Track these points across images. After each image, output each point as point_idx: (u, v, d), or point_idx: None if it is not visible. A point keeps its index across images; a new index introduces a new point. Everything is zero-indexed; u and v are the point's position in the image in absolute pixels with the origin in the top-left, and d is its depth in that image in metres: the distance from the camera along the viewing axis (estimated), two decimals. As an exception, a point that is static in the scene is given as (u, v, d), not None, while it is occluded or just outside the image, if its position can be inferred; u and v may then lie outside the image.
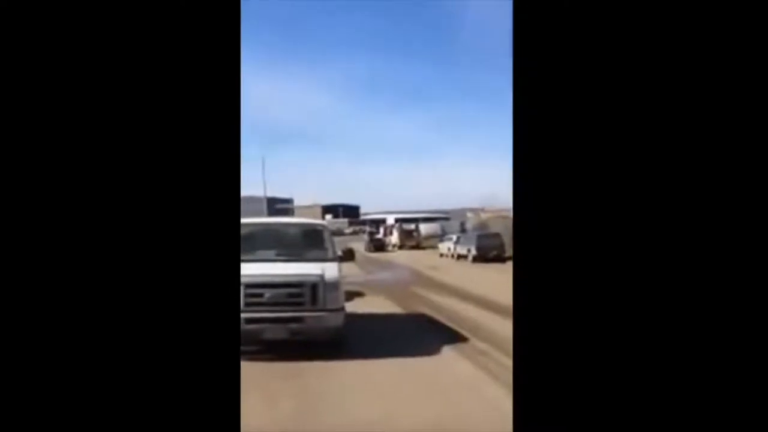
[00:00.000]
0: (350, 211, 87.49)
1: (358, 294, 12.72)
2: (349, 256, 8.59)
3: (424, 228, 41.41)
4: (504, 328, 8.76)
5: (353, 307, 9.90)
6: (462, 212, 53.08)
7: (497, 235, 27.64)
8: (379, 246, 38.63)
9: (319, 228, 8.49)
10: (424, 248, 36.47)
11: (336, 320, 6.79)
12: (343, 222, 69.26)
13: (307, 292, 6.64)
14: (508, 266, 23.08)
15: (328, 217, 67.95)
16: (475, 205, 54.31)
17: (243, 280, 6.12)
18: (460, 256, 26.96)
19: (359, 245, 32.38)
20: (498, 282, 16.47)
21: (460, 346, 7.52)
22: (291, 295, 6.60)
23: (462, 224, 41.87)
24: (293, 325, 6.52)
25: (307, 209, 72.33)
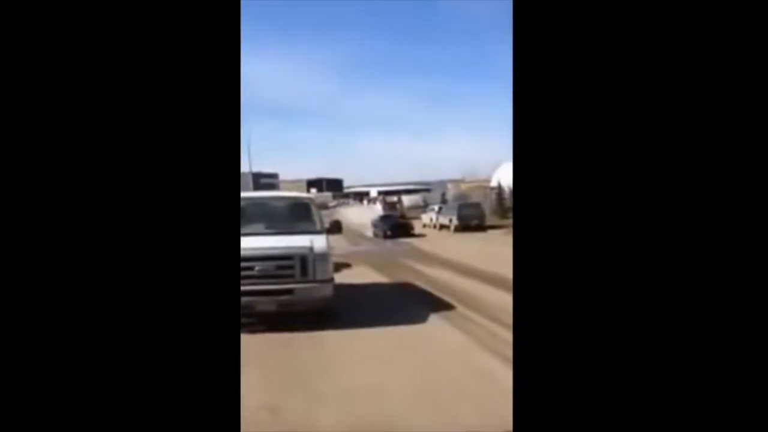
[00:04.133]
0: (334, 185, 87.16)
1: (345, 265, 12.87)
2: (336, 228, 8.70)
3: (407, 199, 41.59)
4: (487, 294, 9.00)
5: (341, 278, 10.05)
6: (443, 184, 53.27)
7: (478, 205, 27.96)
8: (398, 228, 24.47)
9: (306, 201, 8.59)
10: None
11: (325, 291, 6.94)
12: (327, 195, 69.06)
13: (297, 264, 6.76)
14: (489, 235, 23.37)
15: (313, 190, 67.64)
16: (455, 176, 54.54)
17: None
18: (442, 226, 27.22)
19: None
20: (480, 250, 16.73)
21: (446, 313, 7.72)
22: (281, 267, 6.71)
23: (443, 195, 42.12)
24: (283, 297, 6.65)
25: (292, 183, 71.94)
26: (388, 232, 23.87)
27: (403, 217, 30.70)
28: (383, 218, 26.45)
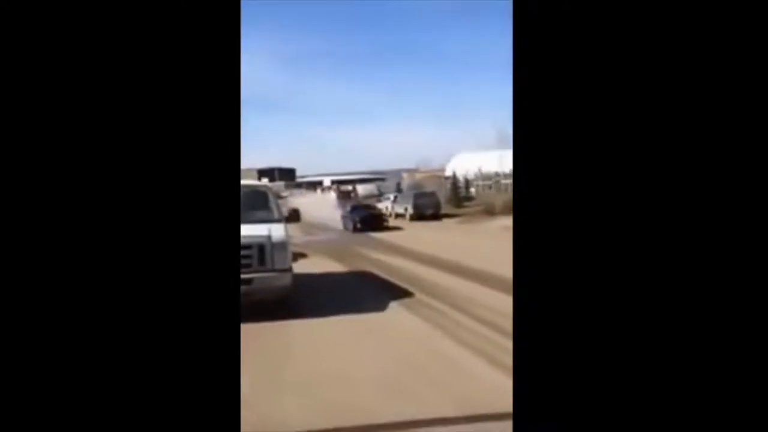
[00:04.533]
0: (286, 174, 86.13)
1: (302, 255, 12.75)
2: (295, 217, 8.61)
3: (362, 189, 41.67)
4: (445, 281, 9.09)
5: (298, 267, 9.94)
6: (397, 173, 53.55)
7: (433, 194, 28.20)
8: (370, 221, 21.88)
9: (264, 190, 8.44)
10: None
11: (284, 280, 6.85)
12: (279, 185, 68.39)
13: (255, 253, 6.64)
14: (445, 224, 23.66)
15: (264, 180, 66.73)
16: (409, 166, 54.83)
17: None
18: (398, 215, 27.33)
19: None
20: (437, 239, 16.89)
21: (406, 301, 7.75)
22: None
23: (398, 184, 42.38)
24: (242, 287, 6.51)
25: (243, 173, 70.82)
26: (358, 225, 21.38)
27: (374, 208, 26.70)
28: (353, 209, 23.79)
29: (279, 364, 5.00)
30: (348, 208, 24.54)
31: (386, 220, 23.06)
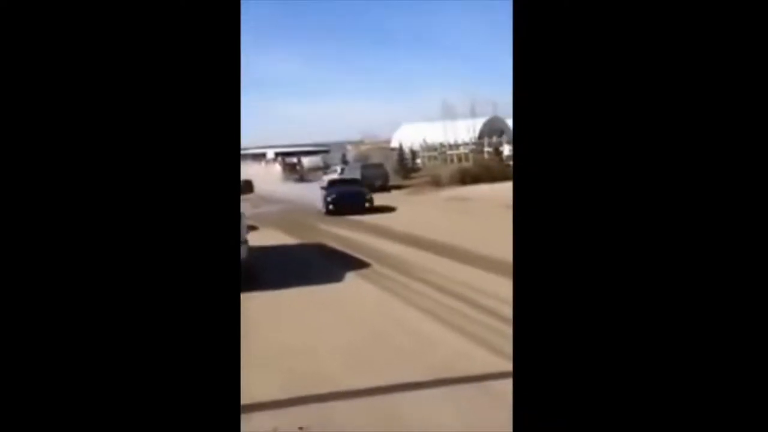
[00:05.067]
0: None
1: (251, 227, 12.50)
2: (247, 188, 8.40)
3: (307, 161, 41.06)
4: (398, 251, 9.15)
5: (249, 240, 9.78)
6: (341, 145, 52.99)
7: (380, 165, 28.17)
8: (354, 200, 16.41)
9: (214, 160, 8.21)
10: (309, 181, 36.10)
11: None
12: (220, 157, 66.69)
13: (209, 225, 6.47)
14: (394, 195, 23.73)
15: (205, 152, 64.71)
16: (354, 137, 54.37)
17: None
18: (345, 187, 27.12)
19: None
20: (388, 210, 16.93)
21: (362, 271, 7.76)
22: (191, 230, 6.39)
23: (344, 156, 42.01)
24: (195, 261, 6.36)
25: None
26: (331, 206, 16.04)
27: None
28: (330, 185, 18.76)
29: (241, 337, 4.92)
30: (325, 184, 19.70)
31: (370, 200, 17.12)
